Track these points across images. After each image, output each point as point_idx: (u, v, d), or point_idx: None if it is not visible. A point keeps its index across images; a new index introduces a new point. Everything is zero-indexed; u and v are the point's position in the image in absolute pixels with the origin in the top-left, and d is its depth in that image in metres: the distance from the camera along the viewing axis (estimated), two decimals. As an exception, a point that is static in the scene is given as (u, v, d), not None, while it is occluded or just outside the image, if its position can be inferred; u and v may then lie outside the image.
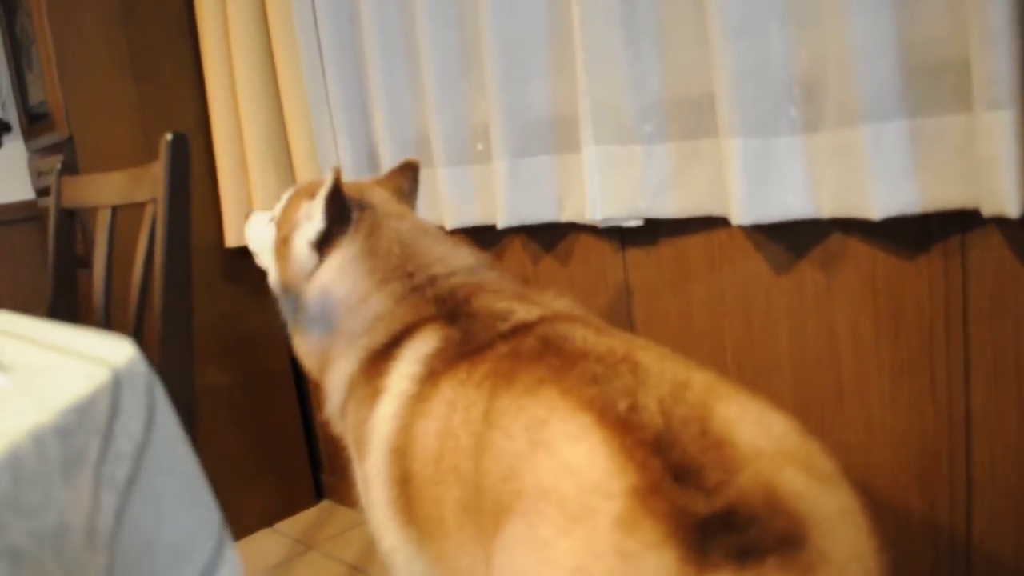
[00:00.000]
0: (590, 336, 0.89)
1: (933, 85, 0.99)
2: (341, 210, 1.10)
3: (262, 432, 2.10)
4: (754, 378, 1.30)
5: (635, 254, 1.41)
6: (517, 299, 1.04)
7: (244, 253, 1.95)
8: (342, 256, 1.11)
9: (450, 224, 1.54)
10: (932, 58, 0.99)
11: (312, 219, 1.10)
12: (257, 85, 1.73)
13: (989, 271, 1.04)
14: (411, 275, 1.09)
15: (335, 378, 1.12)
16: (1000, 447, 1.09)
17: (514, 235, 1.59)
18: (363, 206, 1.14)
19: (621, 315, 1.44)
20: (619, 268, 1.43)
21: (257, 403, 2.08)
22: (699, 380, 0.79)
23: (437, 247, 1.14)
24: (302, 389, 2.25)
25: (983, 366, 1.08)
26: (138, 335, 1.26)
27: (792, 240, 1.21)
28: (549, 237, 1.54)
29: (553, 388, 0.81)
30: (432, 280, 1.09)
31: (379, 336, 1.07)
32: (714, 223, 1.28)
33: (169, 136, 1.15)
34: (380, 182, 1.25)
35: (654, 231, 1.36)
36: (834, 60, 1.05)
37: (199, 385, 1.20)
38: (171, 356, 1.14)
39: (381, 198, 1.18)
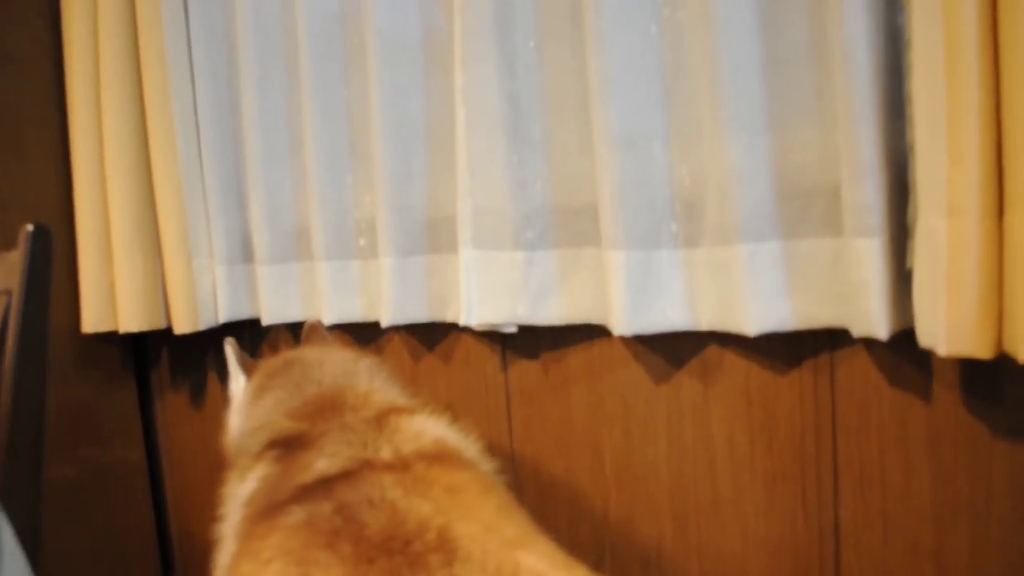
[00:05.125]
0: (400, 502, 0.77)
1: (805, 209, 1.04)
2: None
3: (110, 532, 1.94)
4: (632, 485, 1.30)
5: (515, 358, 1.40)
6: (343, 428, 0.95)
7: (102, 339, 1.84)
8: None
9: (328, 320, 1.50)
10: (804, 184, 1.05)
11: None
12: (129, 167, 1.66)
13: (856, 387, 1.09)
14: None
15: None
16: (867, 556, 1.12)
17: (394, 332, 1.57)
18: None
19: (500, 418, 1.43)
20: (499, 371, 1.42)
21: (107, 500, 1.93)
22: (529, 568, 0.69)
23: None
24: (158, 486, 2.11)
25: (850, 477, 1.11)
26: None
27: (671, 350, 1.23)
28: (430, 336, 1.52)
29: None
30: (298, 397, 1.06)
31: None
32: (595, 330, 1.29)
33: (30, 227, 1.06)
34: None
35: (535, 336, 1.36)
36: (713, 180, 1.09)
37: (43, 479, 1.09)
38: (17, 471, 1.02)
39: None
